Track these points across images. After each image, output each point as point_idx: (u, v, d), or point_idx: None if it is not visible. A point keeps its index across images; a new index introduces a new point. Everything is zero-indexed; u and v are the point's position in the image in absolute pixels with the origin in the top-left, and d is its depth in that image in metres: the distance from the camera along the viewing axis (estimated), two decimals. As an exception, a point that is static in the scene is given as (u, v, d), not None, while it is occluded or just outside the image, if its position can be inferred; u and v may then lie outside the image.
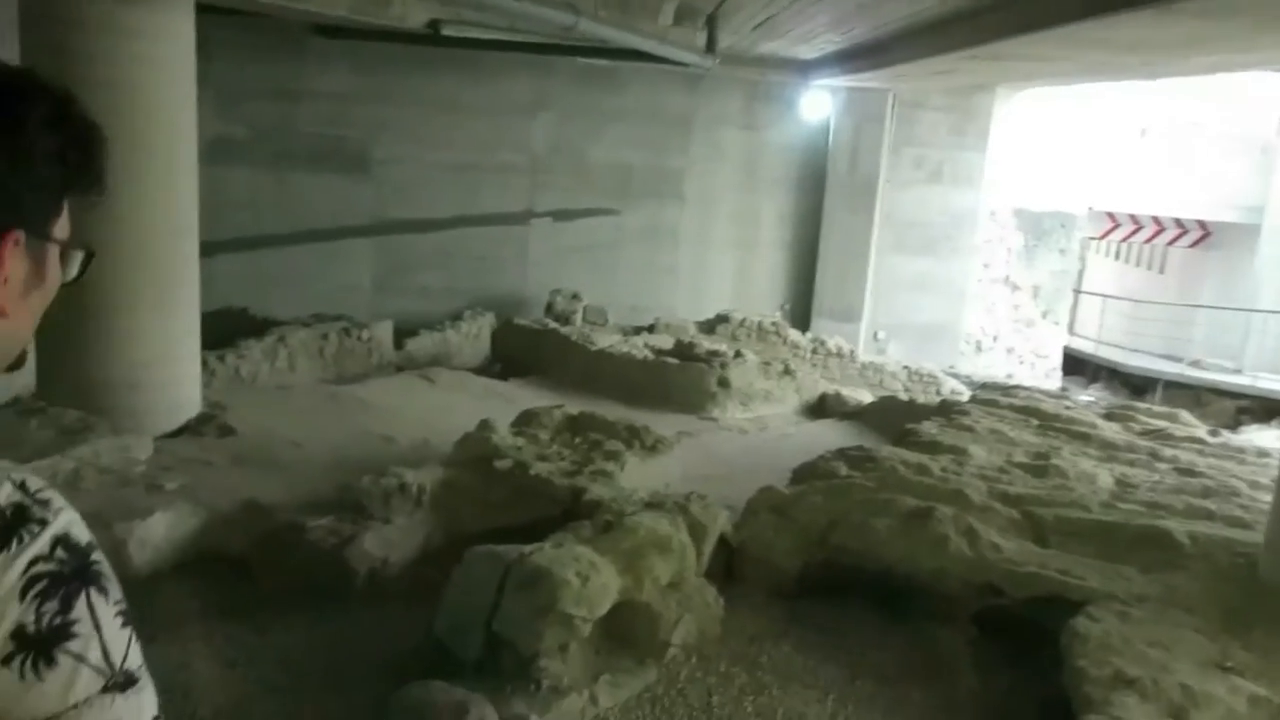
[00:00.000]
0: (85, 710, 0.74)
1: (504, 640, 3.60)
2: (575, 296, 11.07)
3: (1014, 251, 12.53)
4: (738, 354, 8.53)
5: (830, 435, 6.76)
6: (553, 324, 9.81)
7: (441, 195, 11.58)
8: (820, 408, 8.56)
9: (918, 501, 4.48)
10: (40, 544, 0.76)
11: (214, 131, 10.16)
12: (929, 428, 5.95)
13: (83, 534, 0.80)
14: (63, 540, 0.77)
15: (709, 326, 10.84)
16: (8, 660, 0.73)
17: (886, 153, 12.01)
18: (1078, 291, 14.41)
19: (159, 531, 4.31)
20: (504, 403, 7.19)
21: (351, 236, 11.53)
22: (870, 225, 12.12)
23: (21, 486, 0.78)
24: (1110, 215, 14.76)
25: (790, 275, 12.81)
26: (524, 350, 9.36)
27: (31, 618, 0.74)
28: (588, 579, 3.66)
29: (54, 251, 0.87)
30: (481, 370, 9.35)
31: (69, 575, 0.76)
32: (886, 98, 11.80)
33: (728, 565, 4.65)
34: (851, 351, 10.43)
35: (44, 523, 0.77)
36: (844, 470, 5.08)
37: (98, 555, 0.80)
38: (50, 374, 5.60)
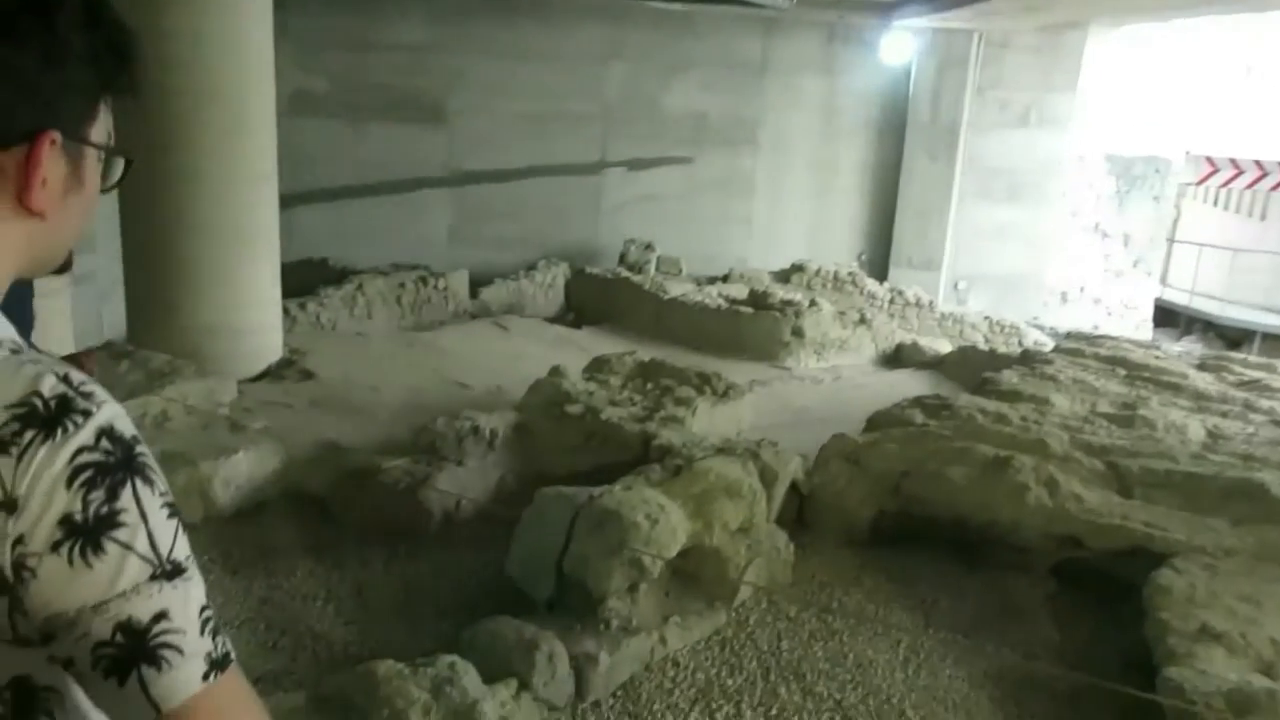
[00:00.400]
0: (133, 597, 0.75)
1: (573, 580, 3.63)
2: (649, 246, 11.01)
3: (1104, 198, 12.04)
4: (812, 303, 8.41)
5: (906, 385, 6.64)
6: (625, 273, 9.77)
7: (515, 145, 11.57)
8: (896, 358, 8.41)
9: (996, 450, 4.37)
10: (85, 434, 0.76)
11: (294, 84, 10.30)
12: (1009, 376, 5.79)
13: (127, 427, 0.80)
14: (107, 431, 0.77)
15: (784, 276, 10.70)
16: (56, 547, 0.74)
17: (970, 96, 11.61)
18: (1171, 240, 13.81)
19: (242, 470, 4.44)
20: (577, 350, 7.22)
21: (427, 187, 11.62)
22: (952, 172, 11.77)
23: (65, 379, 0.78)
24: (1209, 160, 14.06)
25: (868, 224, 12.54)
26: (597, 299, 9.37)
27: (79, 506, 0.74)
28: (656, 521, 3.66)
29: (92, 155, 0.87)
30: (555, 319, 9.39)
31: (114, 465, 0.77)
32: (972, 39, 11.37)
33: (799, 512, 4.62)
34: (930, 302, 10.19)
35: (88, 414, 0.77)
36: (919, 418, 4.98)
37: (143, 448, 0.80)
38: (140, 320, 5.79)
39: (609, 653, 3.33)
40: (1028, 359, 6.63)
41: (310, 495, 4.56)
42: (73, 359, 1.97)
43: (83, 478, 0.75)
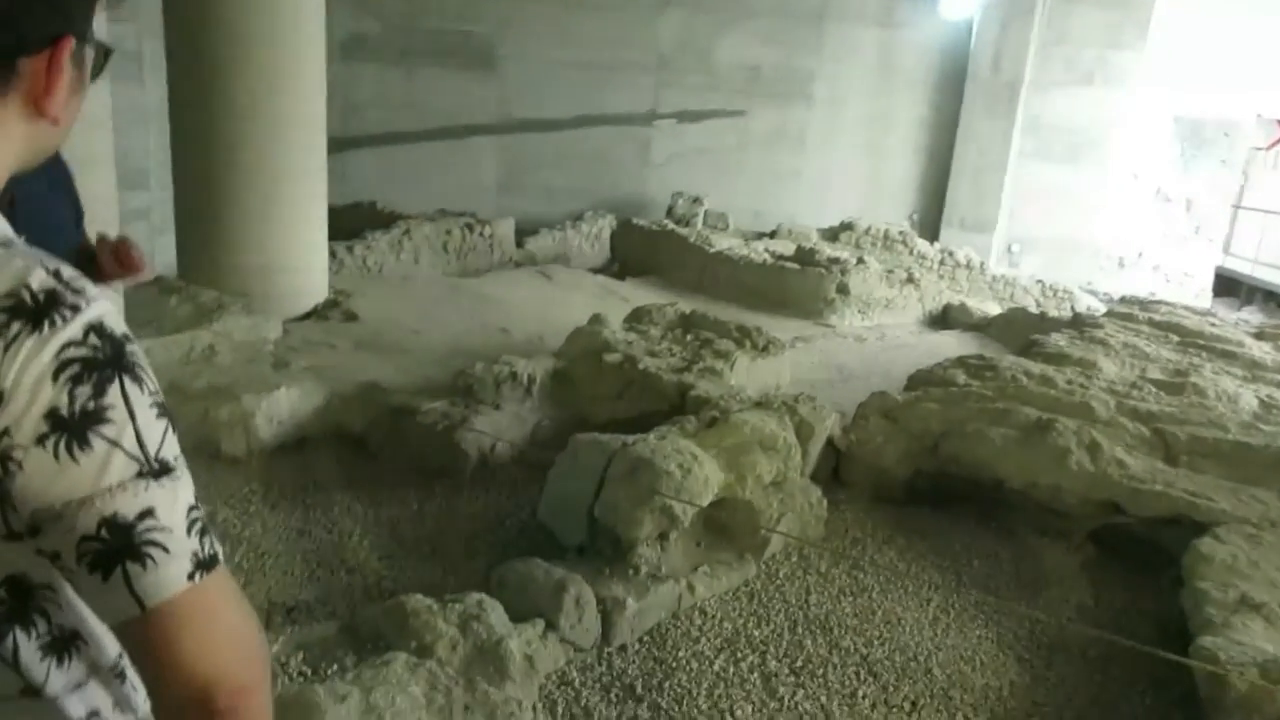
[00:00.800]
0: (118, 493, 0.75)
1: (604, 527, 3.65)
2: (697, 200, 10.92)
3: (1168, 161, 11.69)
4: (859, 260, 8.29)
5: (952, 346, 6.53)
6: (672, 226, 9.71)
7: (565, 94, 11.49)
8: (944, 319, 8.28)
9: (1039, 413, 4.29)
10: (73, 329, 0.76)
11: (346, 29, 10.31)
12: (1057, 339, 5.67)
13: (118, 325, 0.79)
14: (96, 327, 0.77)
15: (832, 234, 10.56)
16: (41, 441, 0.74)
17: (1034, 53, 11.28)
18: (1237, 207, 13.38)
19: (284, 406, 4.51)
20: (619, 301, 7.20)
21: (477, 134, 11.60)
22: (1011, 131, 11.49)
23: (55, 274, 0.78)
24: (1281, 124, 13.58)
25: (921, 183, 12.30)
26: (642, 251, 9.32)
27: (65, 400, 0.74)
28: (689, 471, 3.65)
29: (90, 53, 0.87)
30: (600, 271, 9.37)
31: (102, 361, 0.76)
32: (1037, -8, 11.04)
33: (835, 469, 4.59)
34: (982, 264, 9.99)
35: (76, 309, 0.76)
36: (962, 378, 4.90)
37: (134, 347, 0.80)
38: (190, 256, 5.88)
39: (636, 598, 3.35)
40: (1078, 323, 6.49)
41: (350, 433, 4.63)
42: (111, 246, 1.98)
43: (69, 372, 0.75)
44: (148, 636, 0.77)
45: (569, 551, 3.73)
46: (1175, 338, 5.84)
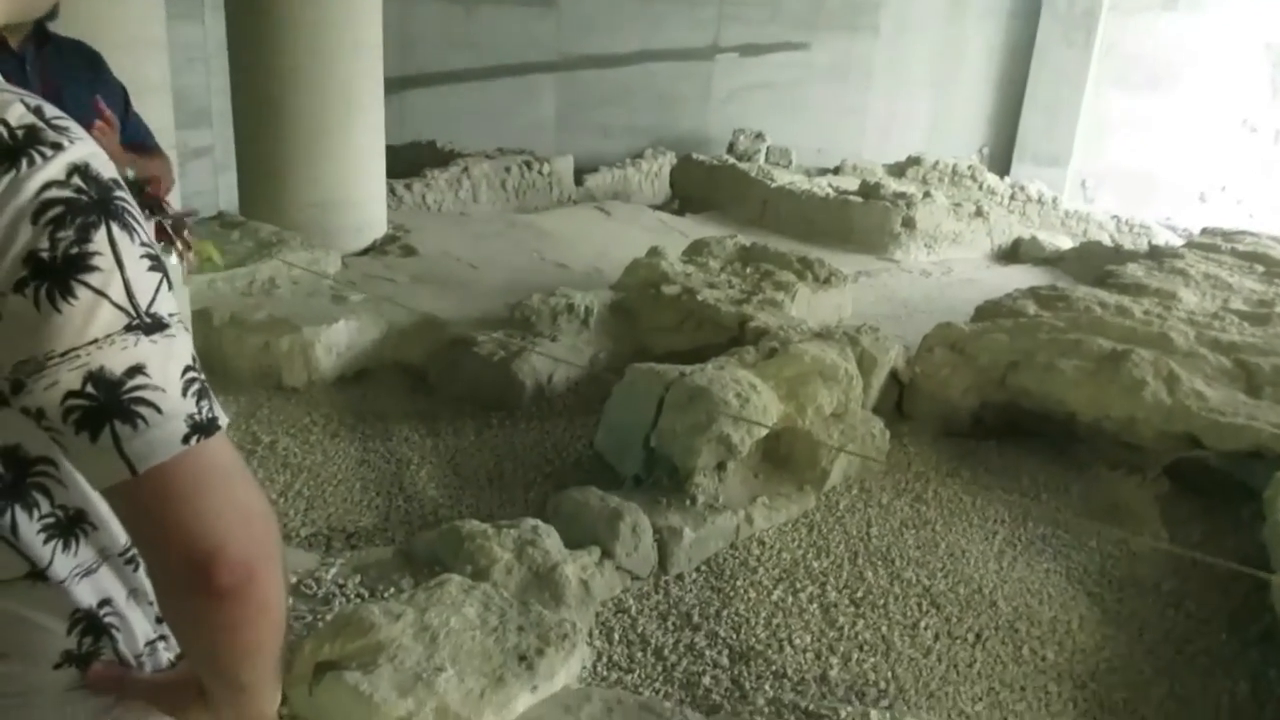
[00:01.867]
0: (105, 346, 0.69)
1: (661, 456, 3.61)
2: (759, 137, 10.68)
3: (1256, 90, 11.09)
4: (926, 194, 8.05)
5: (1021, 280, 6.30)
6: (732, 160, 9.52)
7: (625, 29, 11.27)
8: (1013, 253, 8.02)
9: (1113, 344, 4.12)
10: (54, 168, 0.70)
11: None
12: (1134, 269, 5.43)
13: (105, 168, 0.73)
14: (81, 169, 0.71)
15: (898, 170, 10.25)
16: (20, 286, 0.68)
17: (1114, -24, 10.76)
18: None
19: (343, 338, 4.52)
20: (678, 236, 7.09)
21: (536, 72, 11.47)
22: (1088, 60, 10.98)
23: (36, 110, 0.72)
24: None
25: (992, 116, 11.86)
26: (702, 186, 9.17)
27: (46, 244, 0.69)
28: (747, 400, 3.59)
29: None
30: (659, 208, 9.25)
31: (87, 205, 0.70)
32: (1120, -91, 10.49)
33: (898, 402, 4.48)
34: (1055, 199, 9.63)
35: (59, 147, 0.71)
36: (1032, 309, 4.73)
37: (123, 194, 0.74)
38: (250, 191, 5.92)
39: (694, 528, 3.32)
40: (1156, 254, 6.22)
41: (409, 365, 4.64)
42: (173, 219, 1.98)
43: (51, 214, 0.69)
44: (141, 503, 0.72)
45: (626, 482, 3.70)
46: (1260, 268, 5.56)
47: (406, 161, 8.45)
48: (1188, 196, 11.31)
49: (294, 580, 2.73)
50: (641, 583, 3.17)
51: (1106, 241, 8.63)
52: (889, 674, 2.85)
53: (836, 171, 10.20)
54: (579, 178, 9.43)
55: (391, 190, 7.03)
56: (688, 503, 3.44)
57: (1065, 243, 8.18)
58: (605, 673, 2.75)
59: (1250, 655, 3.00)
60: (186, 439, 0.71)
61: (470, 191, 8.19)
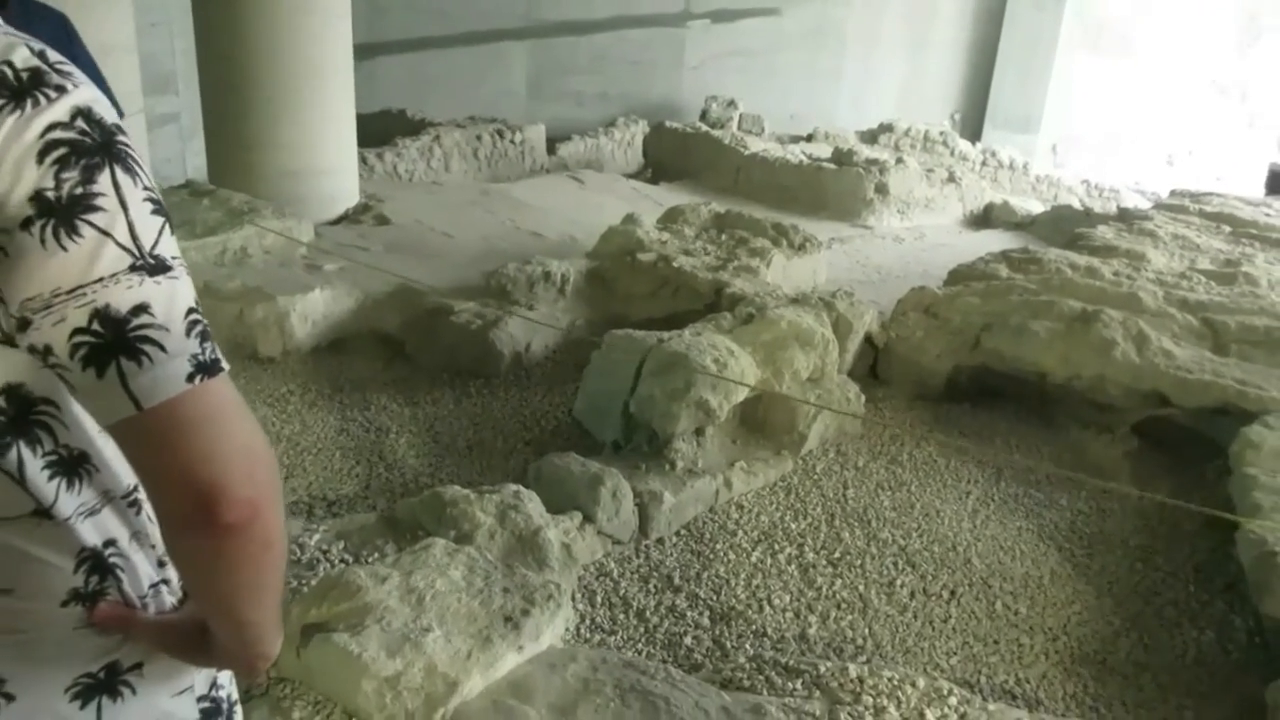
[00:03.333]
0: (110, 285, 0.71)
1: (640, 422, 3.64)
2: (731, 104, 10.64)
3: (1224, 51, 11.17)
4: (899, 160, 8.08)
5: (993, 245, 6.35)
6: (705, 128, 9.50)
7: (597, -5, 11.18)
8: (985, 218, 8.08)
9: (1084, 305, 4.19)
10: (58, 110, 0.71)
11: (370, -72, 10.02)
12: (1104, 231, 5.50)
13: (108, 113, 0.75)
14: (84, 113, 0.73)
15: (871, 136, 10.27)
16: (27, 224, 0.70)
17: (1084, -61, 10.78)
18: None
19: (318, 307, 4.50)
20: (652, 205, 7.09)
21: (507, 39, 11.34)
22: (1058, 22, 11.04)
23: (40, 54, 0.73)
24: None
25: (964, 81, 11.90)
26: (675, 155, 9.15)
27: (51, 183, 0.70)
28: (725, 366, 3.62)
29: None
30: (633, 177, 9.22)
31: (91, 148, 0.72)
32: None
33: (873, 366, 4.53)
34: (1025, 164, 9.70)
35: (62, 90, 0.72)
36: (1004, 272, 4.79)
37: (125, 139, 0.75)
38: (219, 160, 5.84)
39: (673, 493, 3.35)
40: (1126, 216, 6.30)
41: (385, 334, 4.63)
42: None
43: (55, 154, 0.71)
44: (146, 440, 0.73)
45: (605, 448, 3.73)
46: (1227, 228, 5.65)
47: (377, 131, 8.35)
48: (1156, 160, 11.43)
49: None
50: (623, 547, 3.21)
51: (1077, 205, 8.71)
52: (866, 631, 2.91)
53: (809, 139, 10.20)
54: (551, 147, 9.37)
55: (363, 159, 6.96)
56: (667, 468, 3.47)
57: (1036, 207, 8.25)
58: (588, 635, 2.79)
59: (1216, 605, 3.09)
60: (190, 378, 0.73)
61: (442, 161, 8.13)
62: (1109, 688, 2.74)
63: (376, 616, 2.20)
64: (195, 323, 0.75)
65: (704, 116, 10.48)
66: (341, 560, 2.75)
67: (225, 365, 0.77)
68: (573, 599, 2.86)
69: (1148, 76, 11.06)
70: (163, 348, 0.72)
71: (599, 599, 2.95)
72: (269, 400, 4.06)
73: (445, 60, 11.16)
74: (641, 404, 3.61)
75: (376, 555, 2.74)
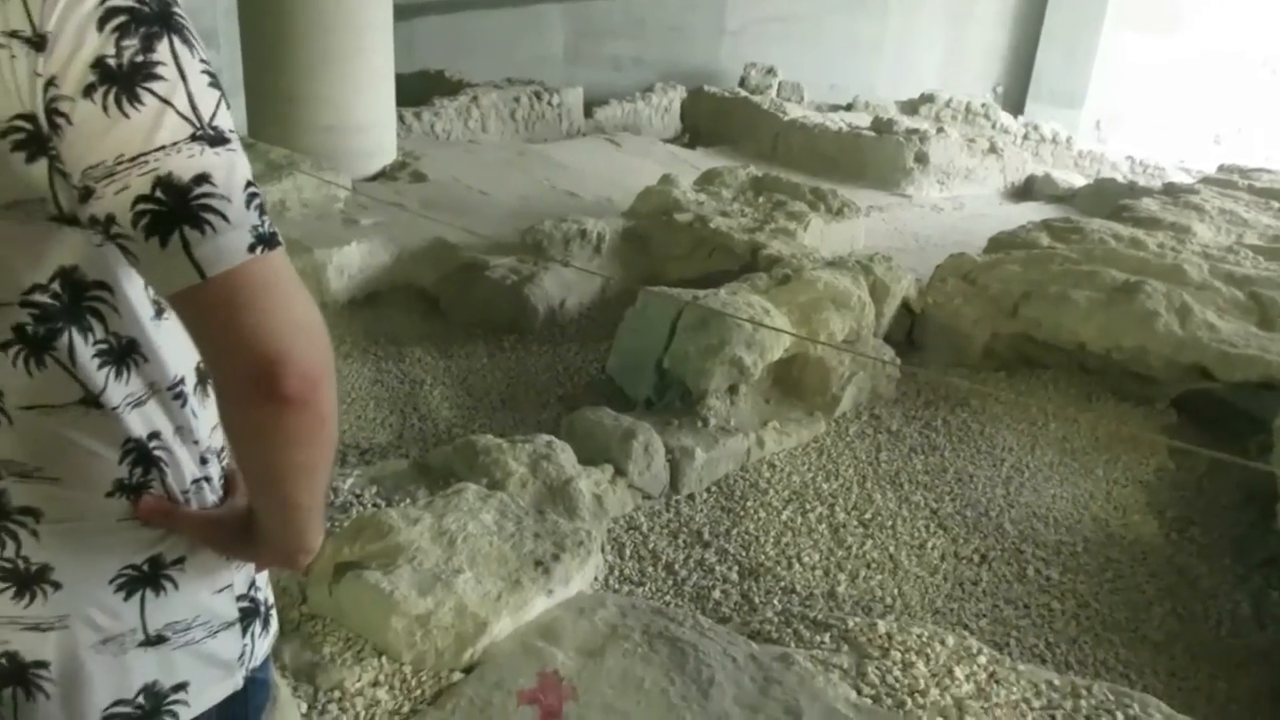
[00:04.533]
0: (172, 153, 0.71)
1: (673, 379, 3.63)
2: (770, 71, 10.52)
3: (1274, 28, 10.88)
4: (940, 129, 7.96)
5: (1034, 216, 6.24)
6: (744, 93, 9.40)
7: (636, -43, 11.06)
8: (1027, 190, 7.96)
9: (1126, 275, 4.11)
10: None
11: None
12: (1149, 204, 5.40)
13: None
14: None
15: (911, 107, 10.12)
16: (89, 91, 0.70)
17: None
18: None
19: (354, 260, 4.52)
20: (689, 169, 7.02)
21: (545, 2, 11.27)
22: (1106, -3, 10.81)
23: None
24: None
25: (1008, 54, 11.69)
26: (713, 119, 9.06)
27: (112, 50, 0.70)
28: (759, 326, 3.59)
29: None
30: (670, 142, 9.16)
31: (150, 16, 0.72)
32: None
33: (909, 331, 4.49)
34: (1069, 139, 9.52)
35: None
36: (1045, 241, 4.71)
37: (181, 12, 0.75)
38: (259, 114, 5.86)
39: (705, 449, 3.35)
40: (1171, 190, 6.17)
41: (420, 289, 4.65)
42: None
43: (116, 21, 0.70)
44: (209, 309, 0.73)
45: (638, 405, 3.73)
46: (1277, 204, 5.52)
47: (415, 90, 8.34)
48: (1203, 138, 11.18)
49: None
50: (653, 501, 3.21)
51: (1120, 181, 8.56)
52: (895, 591, 2.90)
53: (849, 108, 10.08)
54: (589, 110, 9.32)
55: (400, 118, 6.96)
56: (699, 424, 3.47)
57: (1079, 181, 8.11)
58: (617, 586, 2.80)
59: (1253, 579, 3.04)
60: (252, 248, 0.73)
61: (479, 121, 8.11)
62: (1140, 655, 2.72)
63: (408, 556, 2.22)
64: (254, 195, 0.75)
65: (743, 84, 10.37)
66: (374, 504, 2.77)
67: (282, 240, 0.76)
68: (602, 550, 2.87)
69: (1196, 53, 10.79)
70: (225, 217, 0.72)
71: (628, 551, 2.96)
72: (305, 350, 4.08)
73: (484, 22, 11.11)
74: (675, 360, 3.60)
75: (409, 500, 2.76)
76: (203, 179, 0.71)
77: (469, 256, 4.59)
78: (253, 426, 0.79)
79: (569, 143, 8.00)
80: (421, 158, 6.28)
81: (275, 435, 0.78)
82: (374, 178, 5.95)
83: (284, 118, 5.72)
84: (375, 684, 2.03)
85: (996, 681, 2.17)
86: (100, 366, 0.82)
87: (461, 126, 7.93)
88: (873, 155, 7.67)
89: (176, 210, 0.70)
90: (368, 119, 5.93)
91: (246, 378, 0.74)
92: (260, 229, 0.74)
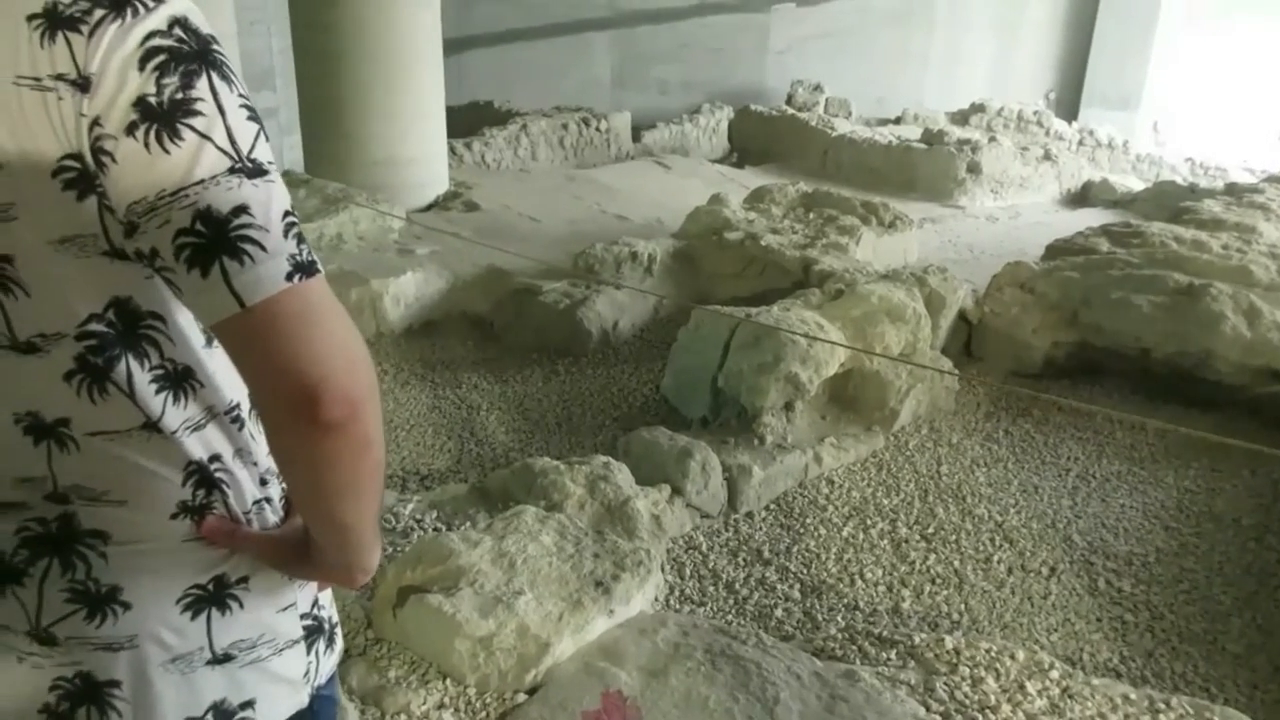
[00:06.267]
0: (211, 187, 0.73)
1: (728, 397, 3.62)
2: (817, 88, 10.51)
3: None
4: (992, 139, 7.87)
5: (1092, 223, 6.14)
6: (791, 111, 9.40)
7: (680, -19, 11.14)
8: (1083, 196, 7.82)
9: (1190, 278, 4.02)
10: (156, 19, 0.74)
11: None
12: (1211, 205, 5.27)
13: (203, 23, 0.77)
14: (181, 21, 0.75)
15: (962, 117, 10.03)
16: (131, 130, 0.72)
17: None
18: None
19: (410, 290, 4.59)
20: (738, 188, 7.04)
21: (590, 30, 11.40)
22: (1159, -2, 10.61)
23: None
24: None
25: (1059, 59, 11.52)
26: (761, 138, 9.07)
27: (153, 88, 0.73)
28: (814, 342, 3.57)
29: None
30: (718, 162, 9.18)
31: (188, 54, 0.74)
32: None
33: (967, 343, 4.43)
34: (1125, 143, 9.36)
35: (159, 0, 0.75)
36: (1105, 246, 4.63)
37: (220, 48, 0.77)
38: (315, 150, 6.01)
39: (762, 467, 3.33)
40: (1234, 190, 6.03)
41: (475, 315, 4.70)
42: None
43: (156, 61, 0.73)
44: (250, 336, 0.75)
45: (693, 425, 3.72)
46: (1348, 202, 5.37)
47: (465, 121, 8.50)
48: (1265, 137, 10.89)
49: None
50: (711, 520, 3.20)
51: (1180, 183, 8.38)
52: (962, 606, 2.84)
53: (898, 121, 10.02)
54: (636, 134, 9.39)
55: (451, 149, 7.09)
56: (756, 442, 3.45)
57: (1137, 186, 7.95)
58: (678, 606, 2.79)
59: (1337, 588, 2.93)
60: (290, 276, 0.75)
61: (529, 149, 8.21)
62: (1220, 668, 2.63)
63: (469, 579, 2.24)
64: (291, 224, 0.77)
65: (790, 101, 10.38)
66: (435, 528, 2.79)
67: (321, 268, 0.78)
68: (662, 569, 2.86)
69: (1254, 52, 10.54)
70: (263, 247, 0.74)
71: (688, 571, 2.94)
72: (364, 379, 4.15)
73: (531, 52, 11.28)
74: (730, 378, 3.59)
75: (468, 523, 2.78)
76: (241, 210, 0.73)
77: (522, 282, 4.63)
78: (296, 451, 0.81)
79: (618, 166, 8.06)
80: (473, 187, 6.38)
81: (319, 459, 0.80)
82: (427, 208, 6.05)
83: (339, 154, 5.85)
84: (441, 706, 2.04)
85: (1070, 697, 2.11)
86: (158, 392, 0.84)
87: (511, 155, 8.04)
88: (924, 167, 7.61)
89: (216, 242, 0.73)
90: (420, 152, 6.04)
91: (288, 403, 0.76)
92: (298, 257, 0.76)
